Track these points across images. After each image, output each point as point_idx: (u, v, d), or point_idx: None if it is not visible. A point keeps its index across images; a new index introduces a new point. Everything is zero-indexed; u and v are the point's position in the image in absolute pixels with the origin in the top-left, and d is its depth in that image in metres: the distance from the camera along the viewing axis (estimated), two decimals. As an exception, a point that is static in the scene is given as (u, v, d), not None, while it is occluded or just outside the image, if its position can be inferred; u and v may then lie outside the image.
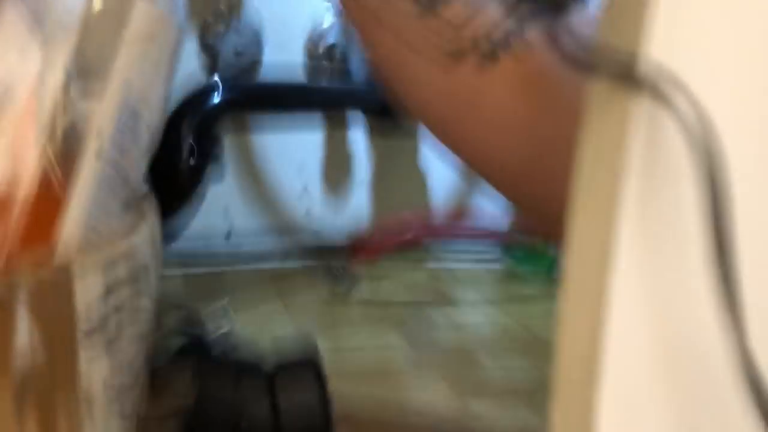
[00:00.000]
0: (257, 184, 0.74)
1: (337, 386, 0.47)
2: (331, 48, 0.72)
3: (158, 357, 0.45)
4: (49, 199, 0.27)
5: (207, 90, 0.56)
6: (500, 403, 0.46)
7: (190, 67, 0.68)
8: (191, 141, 0.53)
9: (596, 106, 0.16)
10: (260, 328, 0.57)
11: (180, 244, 0.69)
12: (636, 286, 0.16)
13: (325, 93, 0.65)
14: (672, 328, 0.17)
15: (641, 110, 0.15)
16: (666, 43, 0.15)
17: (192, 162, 0.53)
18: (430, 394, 0.47)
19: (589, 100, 0.16)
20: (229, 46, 0.66)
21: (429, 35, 0.28)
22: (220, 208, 0.73)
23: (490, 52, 0.28)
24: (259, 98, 0.59)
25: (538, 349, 0.56)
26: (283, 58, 0.71)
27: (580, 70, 0.15)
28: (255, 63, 0.69)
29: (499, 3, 0.28)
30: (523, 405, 0.46)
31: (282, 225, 0.76)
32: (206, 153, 0.55)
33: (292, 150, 0.74)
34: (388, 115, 0.69)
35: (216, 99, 0.55)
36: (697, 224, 0.15)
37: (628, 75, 0.15)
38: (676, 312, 0.17)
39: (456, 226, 0.68)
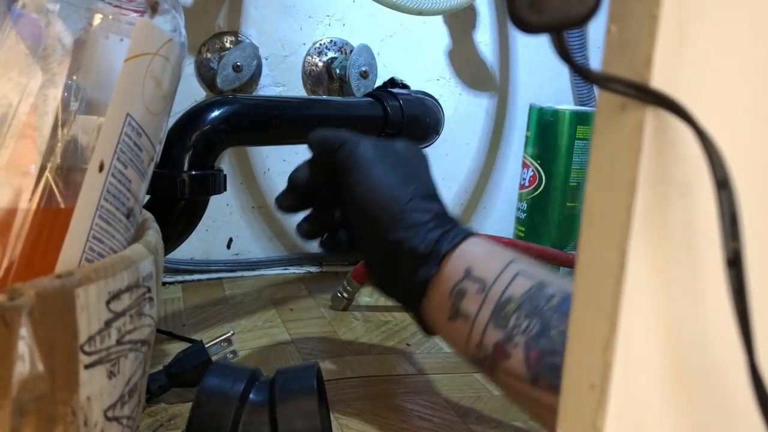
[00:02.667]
0: (258, 193, 0.74)
1: (336, 394, 0.47)
2: (329, 63, 0.72)
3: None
4: (51, 213, 0.27)
5: (208, 103, 0.56)
6: (499, 413, 0.46)
7: (191, 83, 0.68)
8: (192, 153, 0.53)
9: (607, 119, 0.16)
10: (260, 335, 0.57)
11: (181, 252, 0.69)
12: (647, 303, 0.16)
13: (325, 108, 0.65)
14: (683, 346, 0.17)
15: (654, 122, 0.15)
16: (672, 60, 0.15)
17: (193, 173, 0.53)
18: (430, 401, 0.47)
19: (599, 112, 0.16)
20: (228, 61, 0.66)
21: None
22: (223, 217, 0.73)
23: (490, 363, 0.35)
24: (259, 113, 0.59)
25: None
26: (282, 73, 0.72)
27: (591, 81, 0.15)
28: (254, 78, 0.69)
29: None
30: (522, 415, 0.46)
31: (283, 233, 0.76)
32: (207, 164, 0.55)
33: (293, 158, 0.74)
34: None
35: (217, 112, 0.55)
36: (708, 236, 0.15)
37: (641, 87, 0.15)
38: (687, 327, 0.17)
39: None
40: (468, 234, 0.39)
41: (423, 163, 0.44)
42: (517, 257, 0.38)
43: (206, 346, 0.46)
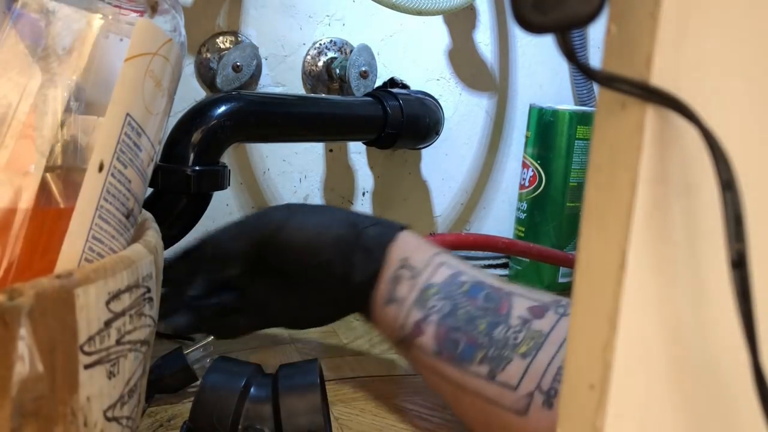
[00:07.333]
0: (258, 193, 0.74)
1: (336, 394, 0.47)
2: (329, 62, 0.72)
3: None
4: (50, 213, 0.27)
5: (214, 99, 0.56)
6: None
7: (191, 83, 0.68)
8: (198, 148, 0.53)
9: (607, 118, 0.16)
10: (259, 335, 0.57)
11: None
12: (647, 303, 0.16)
13: (326, 106, 0.65)
14: (683, 346, 0.17)
15: (654, 121, 0.15)
16: (672, 60, 0.15)
17: (199, 168, 0.53)
18: (430, 401, 0.47)
19: (599, 112, 0.16)
20: (228, 61, 0.66)
21: (500, 393, 0.37)
22: (223, 217, 0.73)
23: (546, 401, 0.36)
24: (264, 109, 0.59)
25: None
26: (282, 73, 0.71)
27: (596, 81, 0.15)
28: (253, 78, 0.69)
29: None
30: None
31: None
32: (212, 160, 0.55)
33: (293, 159, 0.74)
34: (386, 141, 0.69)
35: (223, 108, 0.56)
36: (710, 236, 0.15)
37: (647, 87, 0.14)
38: (687, 327, 0.17)
39: (459, 239, 0.68)
40: (402, 227, 0.46)
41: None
42: (441, 250, 0.45)
43: (185, 353, 0.46)
